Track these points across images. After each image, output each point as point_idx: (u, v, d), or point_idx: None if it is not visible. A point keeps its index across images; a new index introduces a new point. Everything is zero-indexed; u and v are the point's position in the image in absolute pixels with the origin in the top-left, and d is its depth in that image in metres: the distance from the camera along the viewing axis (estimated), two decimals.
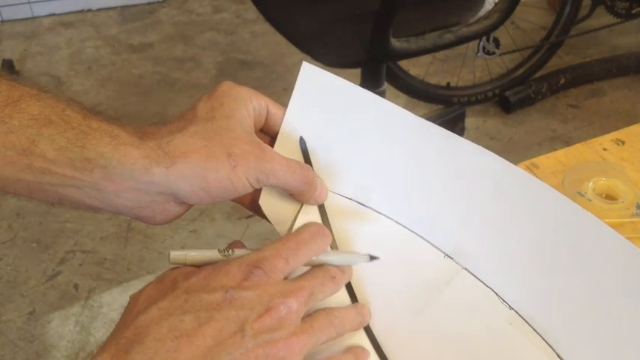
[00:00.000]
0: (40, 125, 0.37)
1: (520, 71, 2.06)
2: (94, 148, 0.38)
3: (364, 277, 0.44)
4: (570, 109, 2.07)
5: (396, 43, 1.50)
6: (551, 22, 2.05)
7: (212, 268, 0.38)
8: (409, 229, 0.47)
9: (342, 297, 0.43)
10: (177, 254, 0.39)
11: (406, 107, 0.46)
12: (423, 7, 1.54)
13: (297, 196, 0.46)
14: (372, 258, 0.43)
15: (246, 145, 0.41)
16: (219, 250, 0.40)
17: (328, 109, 0.48)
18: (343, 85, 0.48)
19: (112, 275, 1.52)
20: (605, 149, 0.67)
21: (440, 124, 0.46)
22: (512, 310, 0.43)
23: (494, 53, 1.93)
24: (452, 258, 0.46)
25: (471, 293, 0.44)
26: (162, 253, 1.58)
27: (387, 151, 0.47)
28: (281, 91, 2.10)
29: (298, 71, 0.48)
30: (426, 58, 2.05)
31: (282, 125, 0.47)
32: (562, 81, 2.08)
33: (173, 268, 0.39)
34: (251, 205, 0.47)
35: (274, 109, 0.46)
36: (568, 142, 1.89)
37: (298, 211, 0.46)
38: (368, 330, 0.43)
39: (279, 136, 0.47)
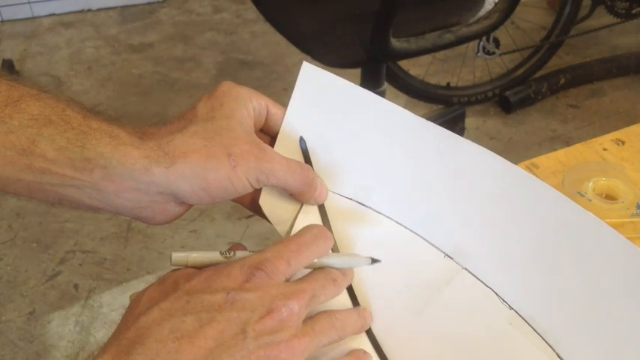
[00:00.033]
0: (40, 125, 0.37)
1: (520, 71, 2.06)
2: (94, 148, 0.38)
3: (364, 277, 0.44)
4: (570, 109, 2.07)
5: (396, 43, 1.50)
6: (551, 22, 2.05)
7: (213, 269, 0.38)
8: (409, 229, 0.47)
9: (342, 297, 0.43)
10: (178, 256, 0.39)
11: (406, 107, 0.46)
12: (423, 7, 1.54)
13: (297, 196, 0.46)
14: (374, 261, 0.43)
15: (246, 145, 0.41)
16: (220, 252, 0.40)
17: (328, 109, 0.48)
18: (343, 85, 0.48)
19: (112, 275, 1.52)
20: (605, 149, 0.67)
21: (440, 124, 0.46)
22: (512, 310, 0.43)
23: (494, 53, 1.93)
24: (452, 258, 0.46)
25: (471, 293, 0.44)
26: (162, 253, 1.57)
27: (388, 151, 0.47)
28: (281, 91, 2.10)
29: (298, 71, 0.48)
30: (426, 58, 2.05)
31: (282, 125, 0.47)
32: (562, 81, 2.08)
33: (174, 270, 0.39)
34: (251, 205, 0.47)
35: (274, 109, 0.46)
36: (568, 142, 1.89)
37: (298, 211, 0.46)
38: (368, 330, 0.43)
39: (279, 136, 0.47)
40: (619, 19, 2.10)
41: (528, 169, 0.64)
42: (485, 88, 2.02)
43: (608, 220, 0.42)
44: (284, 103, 0.48)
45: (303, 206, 0.46)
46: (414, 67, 2.06)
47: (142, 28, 2.50)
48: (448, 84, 1.97)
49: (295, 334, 0.36)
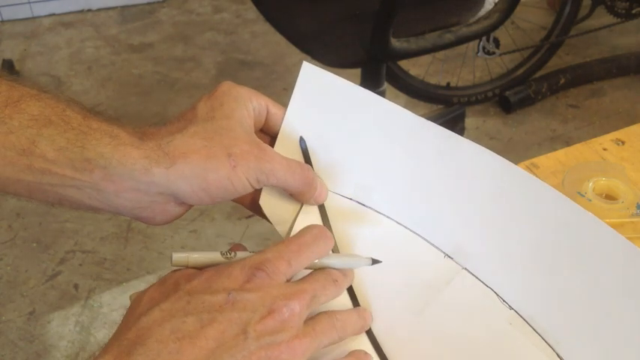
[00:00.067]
0: (40, 125, 0.37)
1: (520, 71, 2.06)
2: (94, 148, 0.38)
3: (364, 277, 0.44)
4: (570, 109, 2.07)
5: (396, 43, 1.50)
6: (551, 22, 2.05)
7: (214, 270, 0.38)
8: (409, 229, 0.47)
9: (342, 298, 0.43)
10: (179, 256, 0.39)
11: (406, 107, 0.46)
12: (423, 7, 1.54)
13: (297, 196, 0.46)
14: (375, 261, 0.43)
15: (246, 145, 0.41)
16: (221, 253, 0.40)
17: (328, 109, 0.48)
18: (344, 85, 0.48)
19: (112, 275, 1.52)
20: (605, 149, 0.67)
21: (440, 124, 0.46)
22: (512, 310, 0.43)
23: (494, 53, 1.93)
24: (452, 258, 0.46)
25: (471, 293, 0.44)
26: (162, 253, 1.57)
27: (388, 151, 0.47)
28: (281, 91, 2.10)
29: (298, 71, 0.48)
30: (426, 58, 2.05)
31: (283, 125, 0.47)
32: (562, 81, 2.08)
33: (175, 270, 0.39)
34: (251, 205, 0.47)
35: (274, 109, 0.46)
36: (568, 142, 1.89)
37: (298, 212, 0.46)
38: (368, 330, 0.43)
39: (279, 136, 0.47)
40: (619, 19, 2.10)
41: (528, 169, 0.64)
42: (485, 88, 2.02)
43: (608, 220, 0.42)
44: (284, 103, 0.48)
45: (303, 206, 0.46)
46: (414, 67, 2.06)
47: (142, 28, 2.50)
48: (448, 84, 1.97)
49: (296, 334, 0.36)
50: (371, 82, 1.59)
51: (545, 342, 0.42)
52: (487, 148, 0.45)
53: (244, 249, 0.42)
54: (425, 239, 0.46)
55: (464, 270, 0.45)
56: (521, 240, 0.44)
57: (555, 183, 0.61)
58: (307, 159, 0.47)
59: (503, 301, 0.44)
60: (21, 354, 1.35)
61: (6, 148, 0.37)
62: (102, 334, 1.39)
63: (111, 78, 2.21)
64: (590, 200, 0.58)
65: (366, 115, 0.47)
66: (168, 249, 1.57)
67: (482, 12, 1.64)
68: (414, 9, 1.49)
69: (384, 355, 0.42)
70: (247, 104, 0.44)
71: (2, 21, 2.50)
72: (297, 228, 0.44)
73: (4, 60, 2.22)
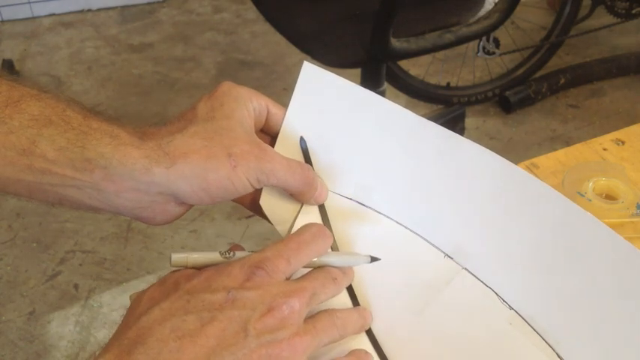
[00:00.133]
0: (40, 125, 0.37)
1: (520, 71, 2.06)
2: (95, 148, 0.38)
3: (364, 277, 0.44)
4: (570, 109, 2.07)
5: (396, 43, 1.50)
6: (551, 22, 2.05)
7: (214, 269, 0.38)
8: (409, 229, 0.47)
9: (342, 297, 0.43)
10: (178, 257, 0.40)
11: (406, 107, 0.46)
12: (423, 7, 1.54)
13: (297, 196, 0.46)
14: (374, 259, 0.43)
15: (246, 145, 0.41)
16: (220, 253, 0.40)
17: (329, 109, 0.48)
18: (344, 85, 0.48)
19: (112, 275, 1.52)
20: (605, 149, 0.67)
21: (440, 124, 0.46)
22: (512, 310, 0.43)
23: (494, 53, 1.93)
24: (452, 258, 0.46)
25: (471, 293, 0.44)
26: (162, 253, 1.57)
27: (388, 150, 0.47)
28: (281, 91, 2.10)
29: (298, 71, 0.48)
30: (426, 58, 2.05)
31: (283, 125, 0.47)
32: (562, 81, 2.08)
33: (174, 271, 0.39)
34: (251, 205, 0.47)
35: (275, 109, 0.46)
36: (568, 142, 1.89)
37: (298, 212, 0.46)
38: (368, 330, 0.43)
39: (279, 136, 0.47)
40: (619, 19, 2.10)
41: (528, 169, 0.64)
42: (485, 88, 2.02)
43: (608, 220, 0.42)
44: (284, 103, 0.48)
45: (304, 206, 0.46)
46: (414, 67, 2.06)
47: (142, 28, 2.50)
48: (448, 84, 1.97)
49: (297, 332, 0.36)
50: (371, 82, 1.59)
51: (545, 342, 0.42)
52: (487, 148, 0.45)
53: (243, 249, 0.42)
54: (425, 239, 0.46)
55: (464, 270, 0.45)
56: (521, 240, 0.44)
57: (555, 183, 0.61)
58: (307, 159, 0.47)
59: (503, 301, 0.44)
60: (21, 354, 1.35)
61: (6, 148, 0.37)
62: (102, 334, 1.39)
63: (111, 78, 2.21)
64: (590, 200, 0.58)
65: (367, 115, 0.47)
66: (168, 249, 1.57)
67: (483, 12, 1.63)
68: (414, 9, 1.49)
69: (384, 354, 0.42)
70: (247, 104, 0.44)
71: (2, 21, 2.51)
72: (297, 228, 0.44)
73: (4, 60, 2.22)
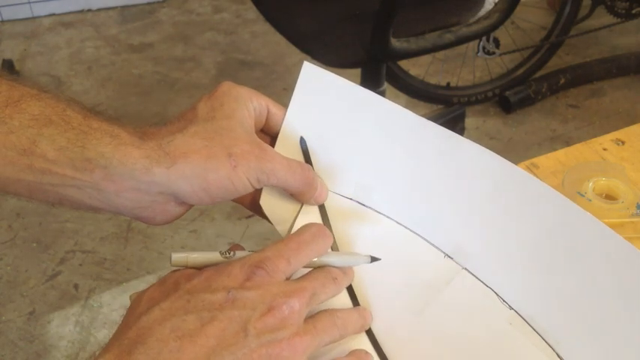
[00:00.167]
0: (40, 125, 0.37)
1: (520, 71, 2.06)
2: (95, 148, 0.38)
3: (364, 277, 0.44)
4: (570, 109, 2.07)
5: (396, 43, 1.50)
6: (551, 22, 2.05)
7: (214, 269, 0.38)
8: (409, 229, 0.47)
9: (342, 297, 0.43)
10: (178, 256, 0.40)
11: (406, 107, 0.46)
12: (423, 7, 1.54)
13: (297, 196, 0.46)
14: (374, 259, 0.43)
15: (246, 145, 0.41)
16: (220, 252, 0.40)
17: (329, 109, 0.48)
18: (344, 85, 0.48)
19: (112, 275, 1.52)
20: (605, 149, 0.67)
21: (440, 124, 0.46)
22: (512, 310, 0.43)
23: (494, 53, 1.93)
24: (452, 258, 0.46)
25: (471, 293, 0.44)
26: (162, 253, 1.57)
27: (388, 150, 0.47)
28: (281, 91, 2.10)
29: (298, 71, 0.48)
30: (426, 58, 2.05)
31: (283, 125, 0.47)
32: (562, 81, 2.08)
33: (174, 270, 0.39)
34: (251, 205, 0.47)
35: (275, 109, 0.46)
36: (568, 142, 1.89)
37: (298, 212, 0.46)
38: (368, 330, 0.43)
39: (279, 136, 0.47)
40: (619, 19, 2.10)
41: (528, 169, 0.64)
42: (485, 88, 2.02)
43: (608, 220, 0.42)
44: (284, 103, 0.48)
45: (304, 206, 0.46)
46: (414, 67, 2.06)
47: (142, 28, 2.50)
48: (448, 84, 1.97)
49: (297, 332, 0.36)
50: (371, 82, 1.59)
51: (545, 342, 0.42)
52: (487, 148, 0.45)
53: (243, 249, 0.42)
54: (425, 239, 0.46)
55: (464, 270, 0.45)
56: (520, 240, 0.44)
57: (555, 183, 0.61)
58: (307, 159, 0.47)
59: (503, 301, 0.44)
60: (21, 354, 1.35)
61: (6, 148, 0.37)
62: (102, 334, 1.39)
63: (111, 78, 2.21)
64: (590, 200, 0.58)
65: (367, 114, 0.47)
66: (168, 249, 1.58)
67: (483, 12, 1.63)
68: (414, 9, 1.49)
69: (384, 354, 0.42)
70: (248, 104, 0.44)
71: (2, 21, 2.51)
72: (297, 228, 0.44)
73: (4, 60, 2.22)
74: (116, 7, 2.61)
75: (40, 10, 2.53)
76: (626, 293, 0.40)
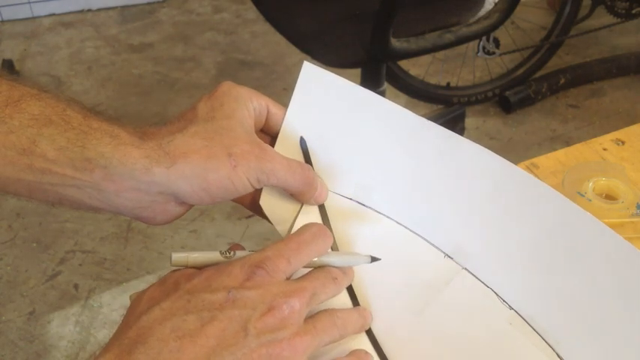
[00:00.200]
0: (40, 125, 0.37)
1: (520, 71, 2.06)
2: (95, 148, 0.38)
3: (364, 277, 0.44)
4: (570, 109, 2.07)
5: (396, 43, 1.50)
6: (551, 22, 2.05)
7: (214, 269, 0.38)
8: (409, 229, 0.47)
9: (342, 297, 0.43)
10: (178, 256, 0.40)
11: (406, 107, 0.46)
12: (423, 7, 1.54)
13: (297, 196, 0.46)
14: (374, 259, 0.43)
15: (246, 145, 0.41)
16: (220, 252, 0.40)
17: (329, 109, 0.48)
18: (344, 85, 0.48)
19: (112, 275, 1.52)
20: (605, 149, 0.67)
21: (440, 124, 0.46)
22: (512, 310, 0.43)
23: (494, 53, 1.93)
24: (452, 258, 0.46)
25: (471, 293, 0.44)
26: (162, 253, 1.57)
27: (388, 150, 0.47)
28: (281, 91, 2.10)
29: (298, 71, 0.48)
30: (426, 58, 2.05)
31: (283, 125, 0.47)
32: (562, 81, 2.08)
33: (175, 270, 0.39)
34: (251, 205, 0.47)
35: (275, 109, 0.46)
36: (568, 142, 1.89)
37: (298, 212, 0.46)
38: (368, 330, 0.43)
39: (279, 136, 0.47)
40: (619, 19, 2.10)
41: (528, 169, 0.64)
42: (485, 88, 2.02)
43: (608, 220, 0.42)
44: (284, 103, 0.48)
45: (304, 206, 0.46)
46: (414, 67, 2.06)
47: (142, 28, 2.50)
48: (448, 84, 1.97)
49: (297, 331, 0.36)
50: (371, 82, 1.59)
51: (545, 342, 0.42)
52: (487, 148, 0.45)
53: (243, 249, 0.42)
54: (425, 239, 0.46)
55: (464, 270, 0.45)
56: (520, 240, 0.44)
57: (555, 183, 0.61)
58: (307, 159, 0.47)
59: (503, 301, 0.44)
60: (21, 354, 1.35)
61: (6, 148, 0.37)
62: (102, 334, 1.39)
63: (111, 78, 2.21)
64: (590, 200, 0.58)
65: (367, 114, 0.47)
66: (168, 249, 1.57)
67: (483, 12, 1.64)
68: (414, 9, 1.49)
69: (384, 355, 0.42)
70: (248, 104, 0.44)
71: (2, 21, 2.51)
72: (297, 228, 0.44)
73: (4, 60, 2.22)
74: (116, 7, 2.61)
75: (40, 10, 2.53)
76: (626, 293, 0.40)
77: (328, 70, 0.48)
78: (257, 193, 0.45)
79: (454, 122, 1.85)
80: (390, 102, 0.47)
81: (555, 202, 0.43)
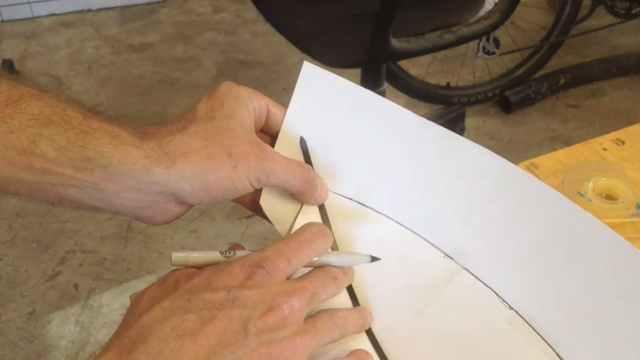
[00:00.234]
0: (40, 125, 0.37)
1: (520, 71, 2.06)
2: (95, 147, 0.38)
3: (364, 277, 0.44)
4: (570, 109, 2.07)
5: (396, 43, 1.50)
6: (551, 22, 2.05)
7: (214, 268, 0.38)
8: (409, 229, 0.47)
9: (342, 297, 0.43)
10: (179, 256, 0.40)
11: (406, 107, 0.46)
12: (423, 7, 1.54)
13: (297, 196, 0.46)
14: (374, 259, 0.43)
15: (246, 145, 0.41)
16: (220, 252, 0.40)
17: (329, 109, 0.48)
18: (344, 85, 0.48)
19: (112, 275, 1.52)
20: (605, 149, 0.67)
21: (440, 124, 0.46)
22: (512, 310, 0.43)
23: (494, 53, 1.93)
24: (452, 258, 0.46)
25: (471, 293, 0.44)
26: (162, 253, 1.57)
27: (388, 150, 0.47)
28: (281, 91, 2.10)
29: (298, 71, 0.48)
30: (426, 58, 2.05)
31: (283, 125, 0.47)
32: (562, 81, 2.08)
33: (175, 270, 0.39)
34: (251, 205, 0.47)
35: (275, 109, 0.46)
36: (568, 142, 1.89)
37: (298, 212, 0.46)
38: (368, 330, 0.43)
39: (279, 136, 0.47)
40: (619, 19, 2.10)
41: (528, 169, 0.64)
42: (485, 88, 2.02)
43: (608, 220, 0.42)
44: (284, 103, 0.48)
45: (304, 206, 0.46)
46: (414, 67, 2.06)
47: (142, 28, 2.50)
48: (448, 84, 1.97)
49: (297, 331, 0.36)
50: (371, 82, 1.59)
51: (545, 342, 0.42)
52: (487, 148, 0.45)
53: (243, 249, 0.42)
54: (425, 239, 0.46)
55: (464, 270, 0.45)
56: (521, 240, 0.44)
57: (555, 183, 0.61)
58: (307, 159, 0.47)
59: (503, 301, 0.44)
60: (21, 354, 1.35)
61: (6, 148, 0.37)
62: (102, 334, 1.39)
63: (111, 78, 2.21)
64: (590, 200, 0.58)
65: (367, 115, 0.47)
66: (168, 249, 1.57)
67: (482, 12, 1.64)
68: (414, 9, 1.49)
69: (384, 354, 0.42)
70: (248, 104, 0.44)
71: (2, 21, 2.51)
72: (297, 228, 0.44)
73: (4, 60, 2.22)
74: (116, 7, 2.61)
75: (40, 10, 2.53)
76: (626, 293, 0.40)
77: (328, 70, 0.48)
78: (257, 193, 0.45)
79: (454, 122, 1.85)
80: (390, 102, 0.47)
81: (555, 202, 0.43)
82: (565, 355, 0.41)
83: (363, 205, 0.48)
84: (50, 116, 0.38)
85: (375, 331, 0.43)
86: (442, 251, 0.46)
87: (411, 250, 0.46)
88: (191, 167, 0.39)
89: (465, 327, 0.43)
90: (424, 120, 0.46)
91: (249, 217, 1.65)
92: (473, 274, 0.45)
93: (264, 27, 2.31)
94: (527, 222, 0.43)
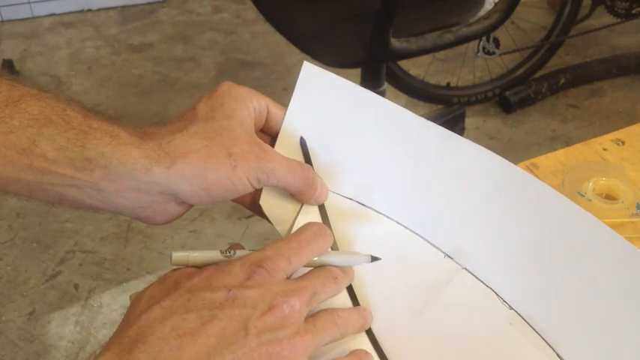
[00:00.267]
0: (40, 125, 0.37)
1: (520, 71, 2.06)
2: (95, 147, 0.38)
3: (364, 277, 0.44)
4: (570, 109, 2.07)
5: (396, 43, 1.50)
6: (551, 22, 2.05)
7: (214, 268, 0.38)
8: (409, 229, 0.47)
9: (342, 297, 0.43)
10: (179, 255, 0.39)
11: (406, 107, 0.46)
12: (423, 7, 1.54)
13: (297, 196, 0.46)
14: (374, 259, 0.43)
15: (246, 145, 0.41)
16: (220, 251, 0.40)
17: (329, 109, 0.48)
18: (344, 85, 0.48)
19: (112, 275, 1.52)
20: (605, 149, 0.67)
21: (440, 124, 0.46)
22: (512, 310, 0.43)
23: (494, 53, 1.93)
24: (452, 258, 0.46)
25: (471, 293, 0.44)
26: (162, 253, 1.57)
27: (388, 151, 0.47)
28: (281, 91, 2.10)
29: (298, 71, 0.48)
30: (426, 58, 2.05)
31: (283, 125, 0.47)
32: (562, 81, 2.08)
33: (175, 269, 0.39)
34: (251, 205, 0.47)
35: (275, 109, 0.46)
36: (568, 142, 1.89)
37: (298, 212, 0.46)
38: (368, 330, 0.43)
39: (279, 136, 0.47)
40: (619, 19, 2.10)
41: (528, 169, 0.64)
42: (485, 88, 2.02)
43: (608, 220, 0.42)
44: (284, 103, 0.48)
45: (304, 206, 0.46)
46: (414, 67, 2.06)
47: (142, 28, 2.50)
48: (448, 84, 1.97)
49: (297, 331, 0.36)
50: (371, 82, 1.59)
51: (545, 342, 0.42)
52: (487, 148, 0.45)
53: (243, 248, 0.42)
54: (425, 239, 0.46)
55: (464, 270, 0.45)
56: (521, 240, 0.44)
57: (555, 183, 0.61)
58: (307, 159, 0.47)
59: (503, 301, 0.44)
60: (21, 354, 1.35)
61: (6, 148, 0.37)
62: (102, 334, 1.39)
63: (111, 78, 2.21)
64: (590, 200, 0.58)
65: (367, 115, 0.47)
66: (168, 249, 1.57)
67: (482, 12, 1.64)
68: (414, 9, 1.49)
69: (384, 354, 0.42)
70: (248, 104, 0.44)
71: (2, 21, 2.51)
72: (297, 228, 0.44)
73: (4, 60, 2.22)
74: (116, 7, 2.61)
75: (40, 10, 2.53)
76: (626, 293, 0.40)
77: (328, 70, 0.48)
78: (257, 193, 0.45)
79: (454, 122, 1.85)
80: (390, 102, 0.47)
81: (555, 202, 0.43)
82: (565, 355, 0.41)
83: (363, 205, 0.48)
84: (50, 116, 0.38)
85: (375, 331, 0.43)
86: (442, 251, 0.46)
87: (411, 250, 0.46)
88: (191, 167, 0.39)
89: (465, 327, 0.43)
90: (424, 120, 0.46)
91: (249, 217, 1.65)
92: (473, 274, 0.45)
93: (264, 27, 2.31)
94: (527, 222, 0.43)
